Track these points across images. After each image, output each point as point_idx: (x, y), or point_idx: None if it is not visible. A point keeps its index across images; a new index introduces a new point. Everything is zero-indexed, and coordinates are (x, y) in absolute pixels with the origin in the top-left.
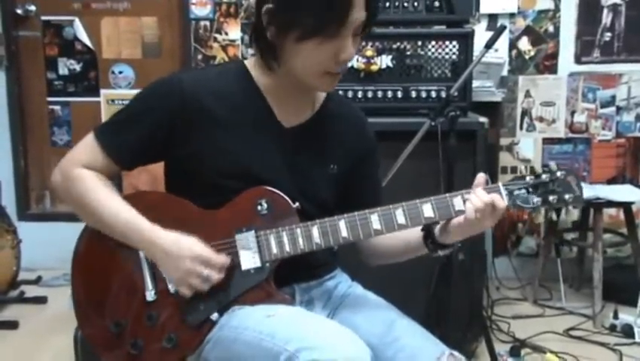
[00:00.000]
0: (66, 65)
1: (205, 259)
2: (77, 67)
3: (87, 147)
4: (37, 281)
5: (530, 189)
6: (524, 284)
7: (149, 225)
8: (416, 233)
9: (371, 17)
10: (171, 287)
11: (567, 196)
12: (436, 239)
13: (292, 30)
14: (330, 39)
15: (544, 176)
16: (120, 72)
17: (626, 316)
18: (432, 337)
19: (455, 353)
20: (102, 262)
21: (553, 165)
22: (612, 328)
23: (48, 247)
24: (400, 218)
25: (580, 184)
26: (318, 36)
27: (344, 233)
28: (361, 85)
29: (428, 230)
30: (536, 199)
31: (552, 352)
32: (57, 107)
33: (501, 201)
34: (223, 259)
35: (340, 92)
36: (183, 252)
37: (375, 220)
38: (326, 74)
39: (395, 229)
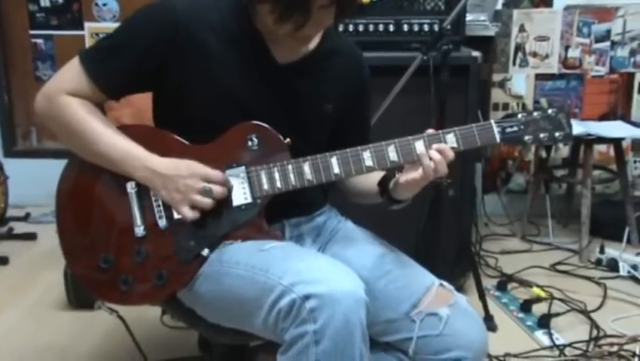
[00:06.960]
0: None
1: (203, 175)
2: None
3: (73, 73)
4: (26, 218)
5: (522, 127)
6: (512, 220)
7: (146, 152)
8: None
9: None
10: (161, 223)
11: (557, 134)
12: (390, 194)
13: None
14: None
15: (535, 113)
16: (104, 4)
17: (612, 250)
18: (422, 268)
19: (445, 283)
20: (87, 199)
21: (544, 102)
22: (598, 262)
23: (36, 183)
24: (393, 155)
25: (570, 122)
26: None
27: (336, 170)
28: (351, 17)
29: (383, 187)
30: (527, 137)
31: (538, 286)
32: (40, 41)
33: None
34: (220, 174)
35: None
36: (181, 171)
37: (367, 157)
38: (291, 37)
39: (387, 165)
